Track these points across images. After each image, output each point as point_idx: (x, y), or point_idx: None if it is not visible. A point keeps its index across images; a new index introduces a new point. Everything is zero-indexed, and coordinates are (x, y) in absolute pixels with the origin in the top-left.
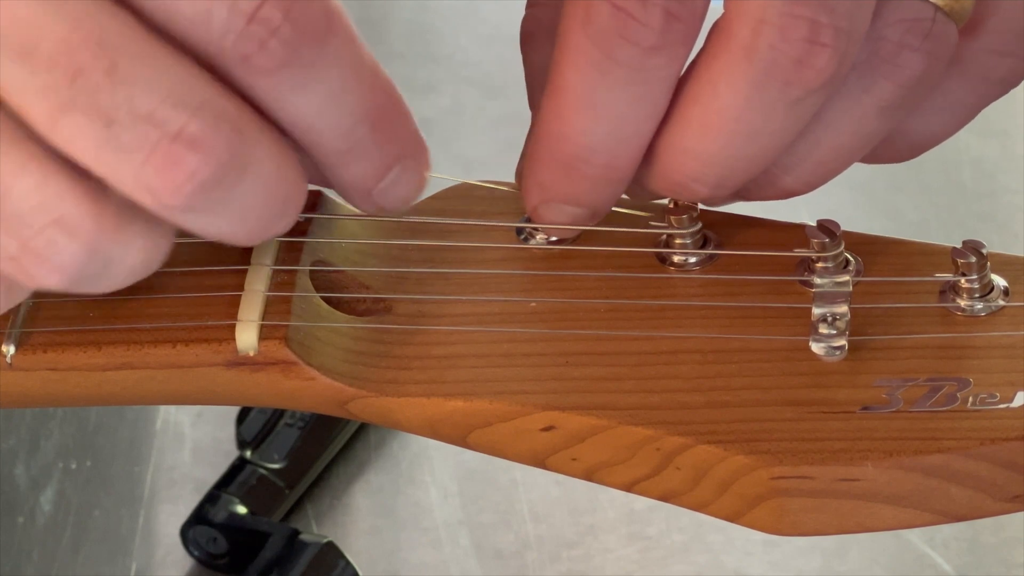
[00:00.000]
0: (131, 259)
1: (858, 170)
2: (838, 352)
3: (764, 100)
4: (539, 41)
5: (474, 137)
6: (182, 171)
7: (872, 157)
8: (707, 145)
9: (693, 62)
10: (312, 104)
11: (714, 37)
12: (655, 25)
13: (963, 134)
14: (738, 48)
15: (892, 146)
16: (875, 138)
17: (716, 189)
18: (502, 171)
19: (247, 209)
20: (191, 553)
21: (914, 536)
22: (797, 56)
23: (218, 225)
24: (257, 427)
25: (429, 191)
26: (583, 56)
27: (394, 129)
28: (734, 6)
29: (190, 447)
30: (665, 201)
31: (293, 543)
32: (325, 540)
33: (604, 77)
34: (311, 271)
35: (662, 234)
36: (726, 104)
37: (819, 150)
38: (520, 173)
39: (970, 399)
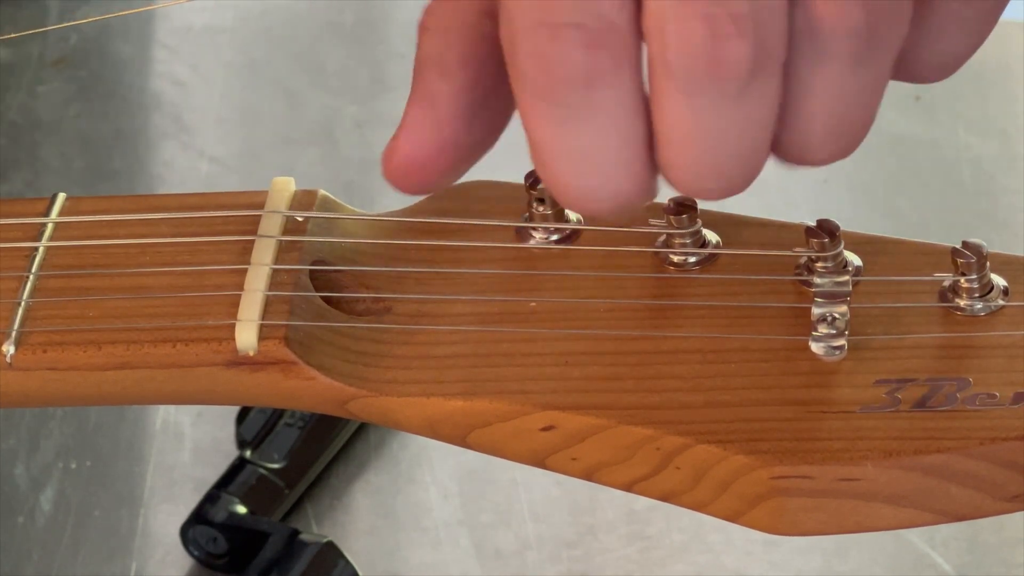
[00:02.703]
0: None
1: (858, 170)
2: (838, 352)
3: (705, 103)
4: (430, 34)
5: None
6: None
7: (902, 78)
8: (685, 158)
9: None
10: None
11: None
12: (578, 59)
13: (963, 134)
14: (657, 64)
15: (918, 72)
16: (875, 88)
17: (727, 191)
18: (502, 171)
19: None
20: (191, 553)
21: (914, 536)
22: (707, 55)
23: None
24: (257, 427)
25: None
26: (536, 113)
27: None
28: (644, 22)
29: (190, 447)
30: (664, 200)
31: (293, 543)
32: (325, 540)
33: (563, 125)
34: (311, 271)
35: (662, 234)
36: (677, 118)
37: (821, 120)
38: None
39: (970, 399)
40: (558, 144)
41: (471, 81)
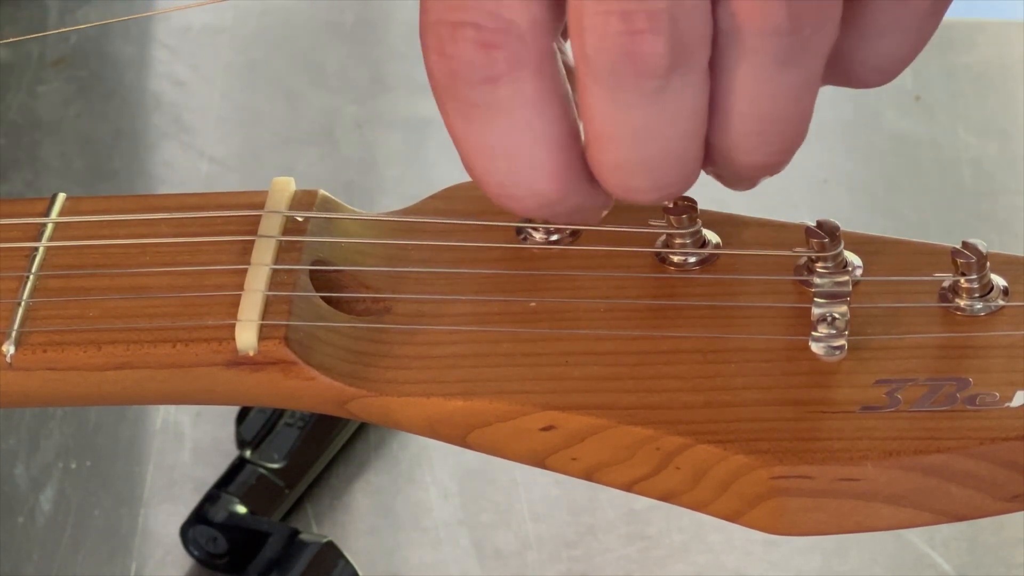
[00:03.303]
0: None
1: (858, 170)
2: (838, 352)
3: (627, 99)
4: None
5: None
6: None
7: (842, 83)
8: (611, 155)
9: None
10: None
11: None
12: (474, 59)
13: (963, 134)
14: (578, 61)
15: (856, 75)
16: (804, 89)
17: (659, 191)
18: None
19: None
20: (191, 553)
21: (914, 536)
22: (623, 51)
23: None
24: (257, 427)
25: (430, 191)
26: (446, 109)
27: None
28: (567, 19)
29: (190, 447)
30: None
31: (293, 543)
32: (325, 540)
33: (471, 121)
34: (311, 271)
35: (662, 234)
36: (600, 114)
37: (748, 120)
38: None
39: (970, 399)
40: (470, 140)
41: None
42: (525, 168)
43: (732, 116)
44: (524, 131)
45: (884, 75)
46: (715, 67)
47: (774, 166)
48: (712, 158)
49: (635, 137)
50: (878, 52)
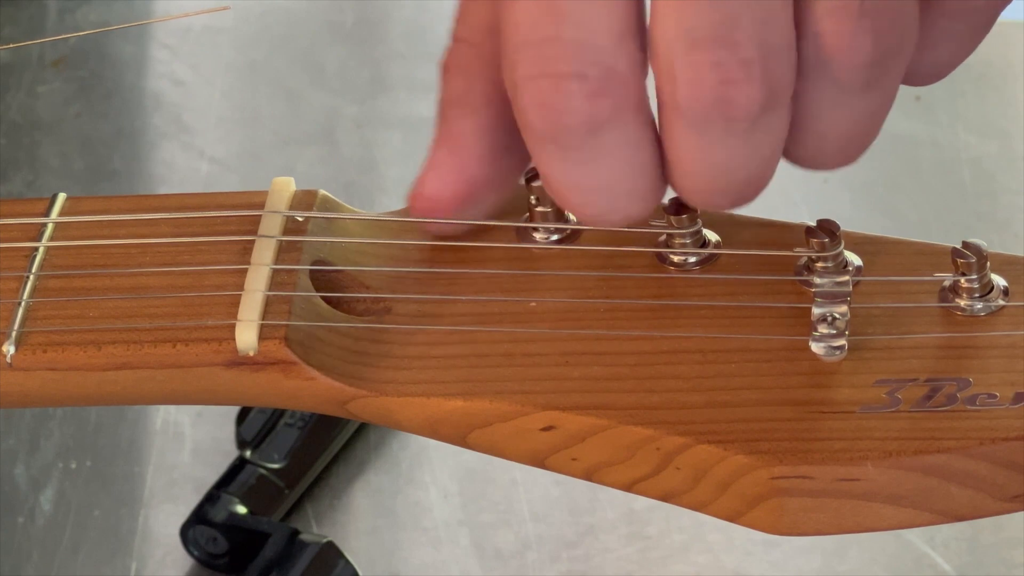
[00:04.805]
0: None
1: (858, 170)
2: (838, 352)
3: (716, 138)
4: (452, 75)
5: None
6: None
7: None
8: (696, 183)
9: None
10: None
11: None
12: (582, 108)
13: (963, 134)
14: (667, 105)
15: (911, 79)
16: (883, 105)
17: (737, 205)
18: None
19: None
20: (191, 553)
21: (914, 536)
22: (716, 99)
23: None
24: (257, 427)
25: None
26: (544, 154)
27: None
28: (652, 62)
29: (190, 447)
30: (664, 200)
31: (293, 543)
32: (325, 540)
33: (570, 165)
34: (311, 271)
35: (662, 234)
36: (687, 149)
37: (831, 139)
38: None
39: (970, 399)
40: (569, 180)
41: (495, 119)
42: (624, 198)
43: (813, 136)
44: (623, 168)
45: (935, 77)
46: (799, 94)
47: (841, 167)
48: (787, 159)
49: (720, 169)
50: (933, 59)
